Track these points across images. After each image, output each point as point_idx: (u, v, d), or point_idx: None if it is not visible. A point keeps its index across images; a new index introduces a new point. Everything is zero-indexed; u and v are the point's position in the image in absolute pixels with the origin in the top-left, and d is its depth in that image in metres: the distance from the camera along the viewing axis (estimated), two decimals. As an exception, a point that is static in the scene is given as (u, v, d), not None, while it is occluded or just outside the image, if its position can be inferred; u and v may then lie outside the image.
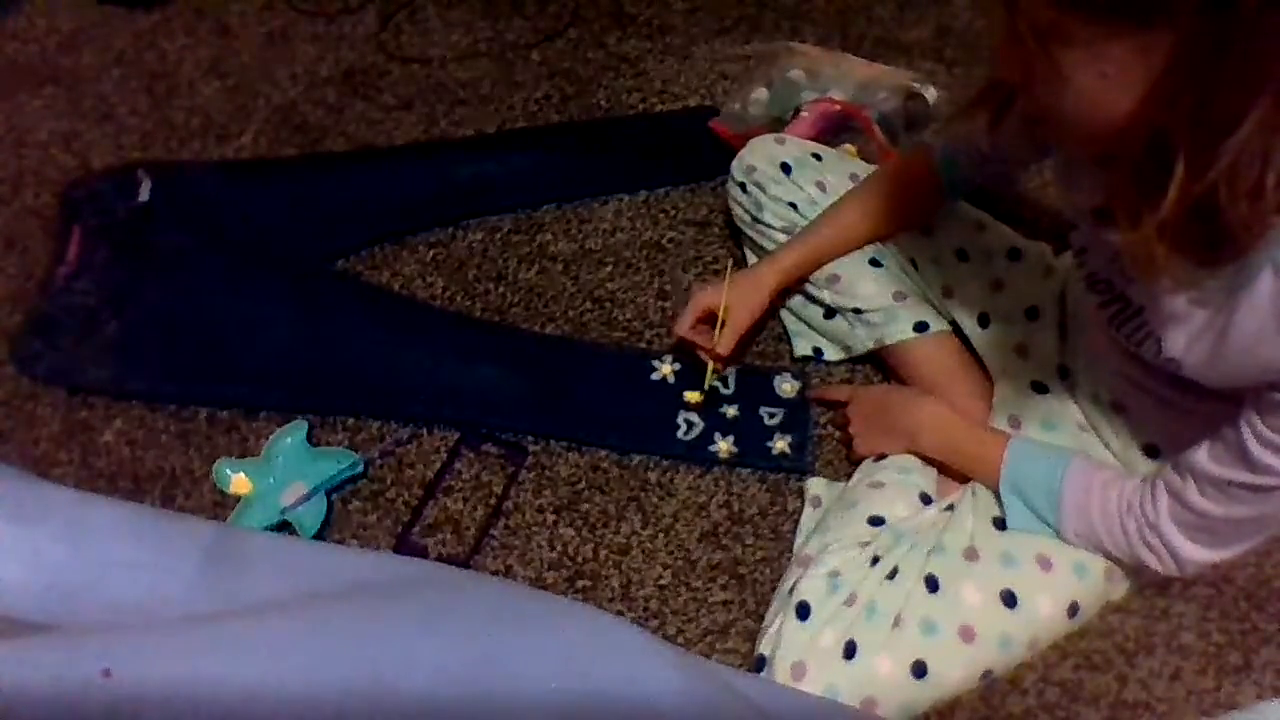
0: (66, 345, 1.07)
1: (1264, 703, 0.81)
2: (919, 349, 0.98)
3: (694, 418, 1.01)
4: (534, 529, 0.96)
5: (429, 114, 1.33)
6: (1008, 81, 0.62)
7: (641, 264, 1.16)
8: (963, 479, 0.86)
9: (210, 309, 1.10)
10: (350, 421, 1.03)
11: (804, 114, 1.18)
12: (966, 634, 0.77)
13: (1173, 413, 0.75)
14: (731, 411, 1.01)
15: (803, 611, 0.78)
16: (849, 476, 0.93)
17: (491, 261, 1.17)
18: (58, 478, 0.99)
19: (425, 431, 1.02)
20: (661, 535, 0.95)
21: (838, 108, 1.18)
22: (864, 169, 1.04)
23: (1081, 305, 0.87)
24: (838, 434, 0.99)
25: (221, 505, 0.97)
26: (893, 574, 0.79)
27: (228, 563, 0.80)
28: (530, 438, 1.01)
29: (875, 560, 0.80)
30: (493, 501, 0.97)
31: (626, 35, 1.41)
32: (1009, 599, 0.77)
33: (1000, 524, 0.81)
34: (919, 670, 0.76)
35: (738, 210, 1.07)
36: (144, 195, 1.18)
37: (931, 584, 0.78)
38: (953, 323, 0.98)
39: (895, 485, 0.88)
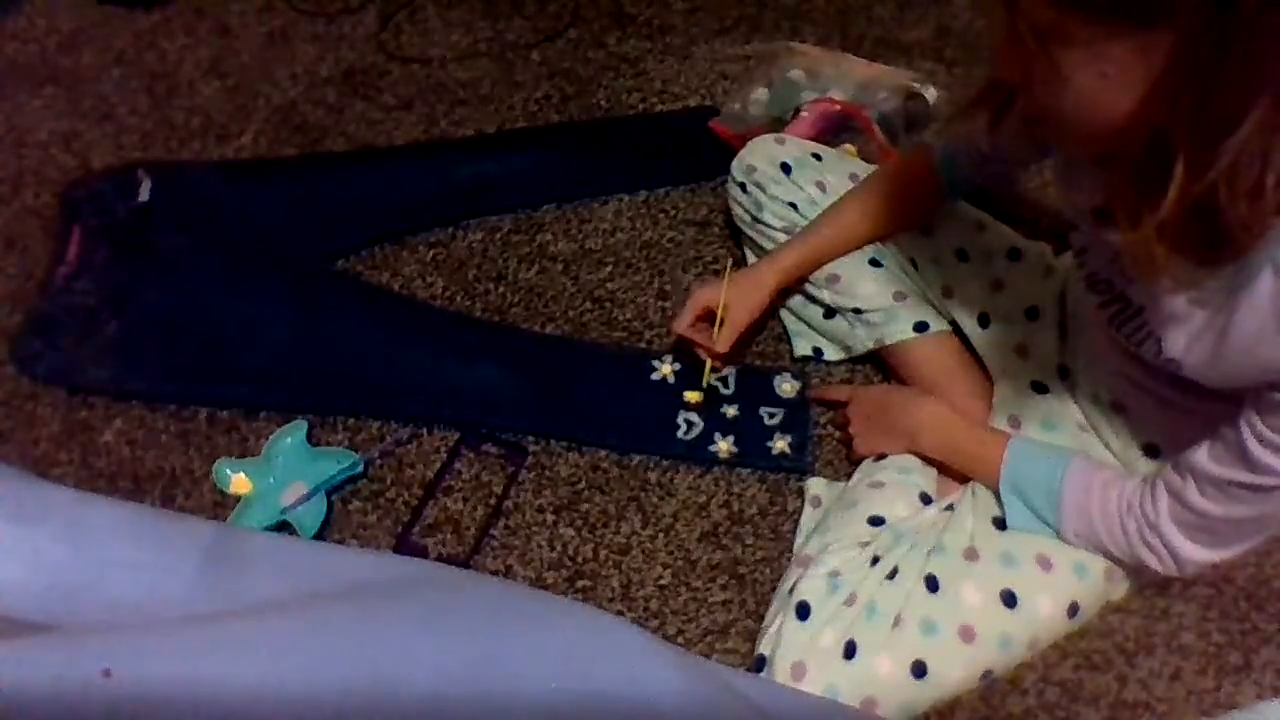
0: (66, 345, 1.07)
1: (1264, 703, 0.81)
2: (919, 349, 0.98)
3: (694, 418, 1.01)
4: (534, 529, 0.96)
5: (429, 114, 1.33)
6: (1008, 81, 0.62)
7: (641, 264, 1.16)
8: (963, 479, 0.86)
9: (210, 309, 1.10)
10: (350, 421, 1.03)
11: (804, 114, 1.18)
12: (966, 634, 0.77)
13: (1173, 413, 0.75)
14: (731, 411, 1.01)
15: (803, 611, 0.78)
16: (849, 476, 0.93)
17: (491, 261, 1.17)
18: (58, 478, 0.99)
19: (425, 431, 1.02)
20: (661, 535, 0.95)
21: (838, 108, 1.18)
22: (864, 169, 1.04)
23: (1081, 305, 0.87)
24: (838, 434, 0.99)
25: (221, 505, 0.97)
26: (893, 574, 0.79)
27: (228, 563, 0.80)
28: (530, 438, 1.01)
29: (875, 560, 0.81)
30: (493, 501, 0.97)
31: (626, 35, 1.41)
32: (1009, 599, 0.77)
33: (1000, 524, 0.81)
34: (919, 670, 0.76)
35: (738, 210, 1.07)
36: (144, 195, 1.18)
37: (931, 584, 0.78)
38: (953, 323, 0.98)
39: (895, 485, 0.88)
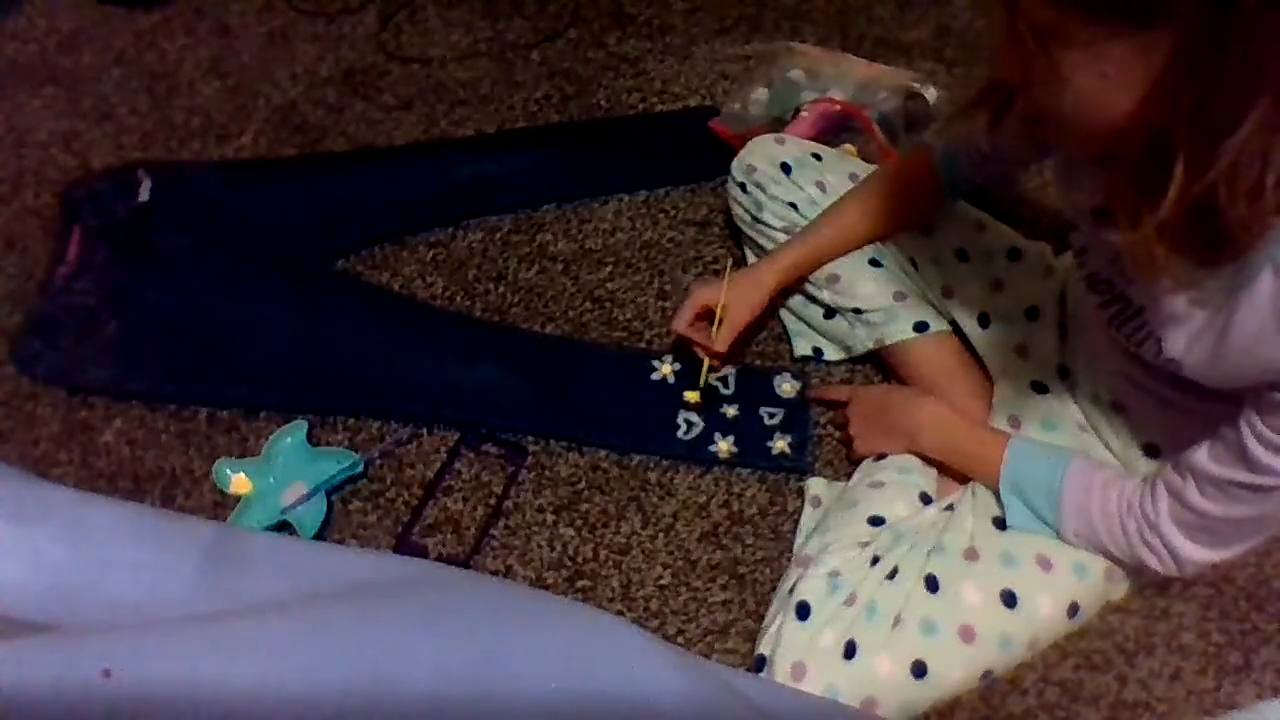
0: (66, 345, 1.07)
1: (1264, 703, 0.81)
2: (919, 349, 0.98)
3: (694, 418, 1.01)
4: (534, 529, 0.96)
5: (429, 114, 1.33)
6: (1008, 81, 0.62)
7: (641, 264, 1.16)
8: (963, 479, 0.86)
9: (210, 309, 1.10)
10: (350, 421, 1.03)
11: (804, 114, 1.18)
12: (966, 634, 0.77)
13: (1173, 413, 0.75)
14: (731, 411, 1.01)
15: (803, 611, 0.78)
16: (849, 476, 0.93)
17: (491, 261, 1.17)
18: (58, 478, 0.99)
19: (425, 431, 1.02)
20: (661, 535, 0.95)
21: (838, 108, 1.18)
22: (864, 169, 1.04)
23: (1081, 305, 0.87)
24: (838, 434, 0.99)
25: (221, 505, 0.97)
26: (893, 574, 0.79)
27: (228, 563, 0.80)
28: (530, 438, 1.01)
29: (875, 560, 0.81)
30: (493, 501, 0.97)
31: (626, 35, 1.41)
32: (1009, 599, 0.77)
33: (1000, 524, 0.81)
34: (919, 670, 0.76)
35: (738, 210, 1.07)
36: (144, 195, 1.18)
37: (931, 584, 0.78)
38: (953, 323, 0.98)
39: (895, 485, 0.88)
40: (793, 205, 1.01)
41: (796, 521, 0.93)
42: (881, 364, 1.03)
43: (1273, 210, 0.53)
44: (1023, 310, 0.93)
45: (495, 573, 0.93)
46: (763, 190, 1.02)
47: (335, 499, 0.97)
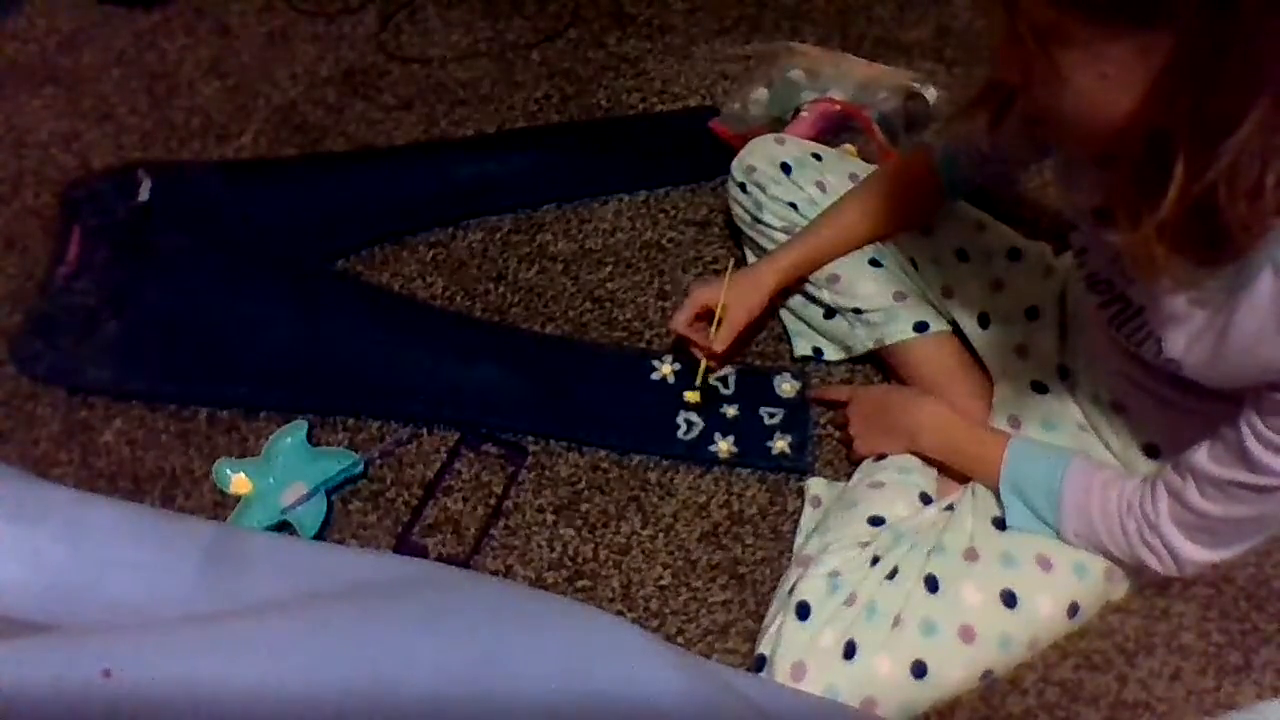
0: (66, 345, 1.07)
1: (1264, 703, 0.81)
2: (919, 349, 0.98)
3: (694, 418, 1.01)
4: (534, 529, 0.96)
5: (429, 114, 1.33)
6: (1008, 81, 0.62)
7: (641, 264, 1.16)
8: (963, 479, 0.86)
9: (210, 309, 1.10)
10: (350, 421, 1.03)
11: (804, 114, 1.18)
12: (966, 634, 0.77)
13: (1173, 413, 0.75)
14: (731, 411, 1.01)
15: (803, 611, 0.78)
16: (849, 476, 0.93)
17: (491, 261, 1.17)
18: (58, 478, 0.99)
19: (425, 431, 1.02)
20: (661, 535, 0.95)
21: (838, 108, 1.18)
22: (864, 169, 1.04)
23: (1081, 305, 0.87)
24: (838, 434, 0.99)
25: (221, 505, 0.97)
26: (893, 574, 0.79)
27: (228, 563, 0.80)
28: (530, 438, 1.01)
29: (875, 560, 0.81)
30: (493, 501, 0.97)
31: (626, 35, 1.41)
32: (1009, 599, 0.77)
33: (1000, 524, 0.81)
34: (919, 670, 0.76)
35: (738, 210, 1.07)
36: (144, 195, 1.18)
37: (931, 584, 0.78)
38: (953, 323, 0.98)
39: (895, 485, 0.88)
40: (793, 205, 1.01)
41: (796, 521, 0.93)
42: (881, 364, 1.03)
43: (1273, 210, 0.53)
44: (1023, 310, 0.93)
45: (495, 573, 0.93)
46: (763, 190, 1.02)
47: (335, 499, 0.97)
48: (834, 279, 0.99)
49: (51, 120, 1.33)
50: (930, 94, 1.21)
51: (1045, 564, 0.78)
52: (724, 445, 0.98)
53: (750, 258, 1.09)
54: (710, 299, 0.97)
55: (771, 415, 1.00)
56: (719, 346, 0.98)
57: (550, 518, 0.96)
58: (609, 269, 1.15)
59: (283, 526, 0.95)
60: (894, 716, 0.76)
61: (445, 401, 1.03)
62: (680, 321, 0.98)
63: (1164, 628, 0.85)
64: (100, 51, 1.41)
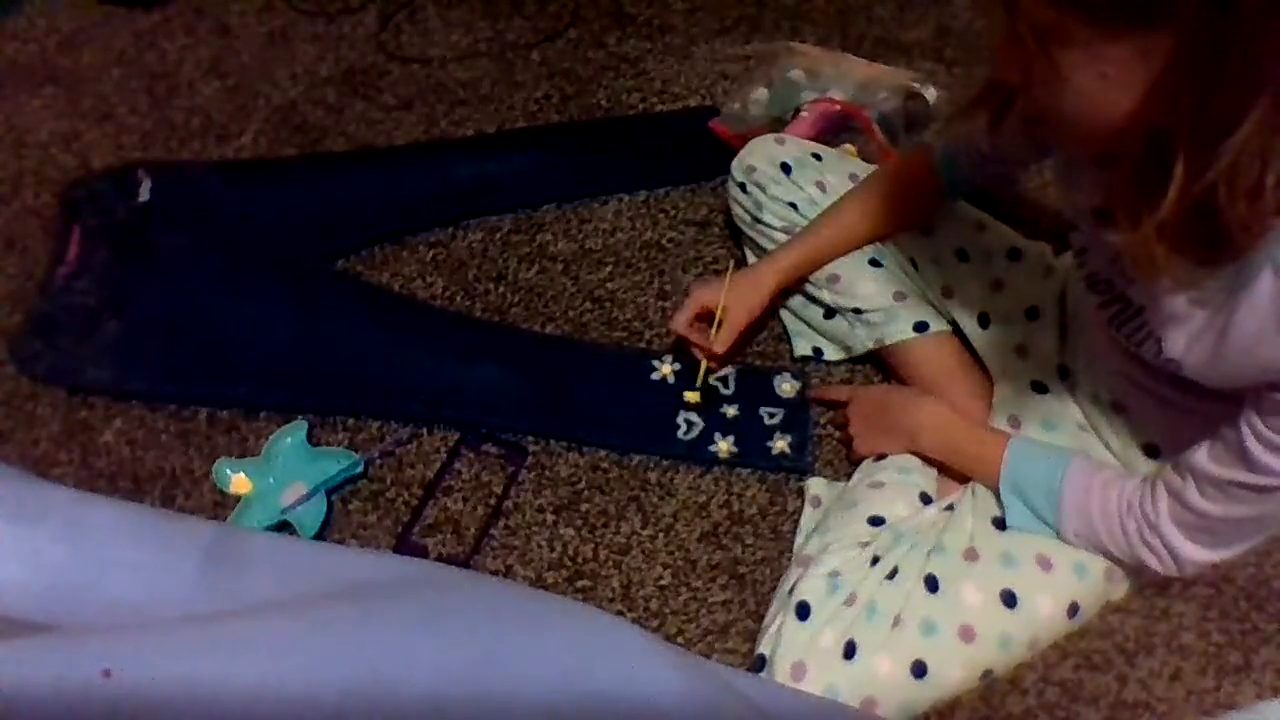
0: (66, 345, 1.07)
1: (1264, 703, 0.81)
2: (919, 349, 0.98)
3: (694, 417, 1.01)
4: (534, 529, 0.96)
5: (429, 114, 1.33)
6: (1008, 81, 0.62)
7: (641, 264, 1.16)
8: (963, 479, 0.86)
9: (210, 309, 1.10)
10: (350, 421, 1.03)
11: (804, 114, 1.18)
12: (966, 634, 0.77)
13: (1173, 413, 0.75)
14: (731, 411, 1.01)
15: (803, 611, 0.78)
16: (849, 476, 0.93)
17: (491, 261, 1.17)
18: (58, 478, 0.99)
19: (425, 431, 1.02)
20: (661, 535, 0.95)
21: (838, 108, 1.18)
22: (864, 169, 1.04)
23: (1081, 305, 0.87)
24: (838, 434, 0.99)
25: (221, 505, 0.97)
26: (893, 574, 0.79)
27: (228, 563, 0.80)
28: (530, 438, 1.01)
29: (875, 560, 0.81)
30: (493, 501, 0.97)
31: (626, 35, 1.41)
32: (1009, 599, 0.77)
33: (1000, 524, 0.81)
34: (919, 670, 0.76)
35: (738, 210, 1.07)
36: (144, 195, 1.18)
37: (931, 584, 0.78)
38: (953, 323, 0.98)
39: (895, 485, 0.88)
40: (793, 205, 1.01)
41: (796, 521, 0.93)
42: (881, 364, 1.03)
43: (1273, 210, 0.53)
44: (1023, 310, 0.93)
45: (495, 573, 0.93)
46: (763, 190, 1.02)
47: (335, 499, 0.97)
48: (834, 279, 0.99)
49: (51, 120, 1.33)
50: (930, 94, 1.21)
51: (1045, 564, 0.78)
52: (724, 445, 0.98)
53: (750, 258, 1.09)
54: (710, 299, 0.97)
55: (771, 415, 1.00)
56: (719, 347, 0.98)
57: (550, 518, 0.96)
58: (609, 269, 1.15)
59: (283, 526, 0.95)
60: (894, 716, 0.76)
61: (445, 401, 1.03)
62: (680, 322, 0.98)
63: (1164, 628, 0.86)
64: (100, 51, 1.41)
